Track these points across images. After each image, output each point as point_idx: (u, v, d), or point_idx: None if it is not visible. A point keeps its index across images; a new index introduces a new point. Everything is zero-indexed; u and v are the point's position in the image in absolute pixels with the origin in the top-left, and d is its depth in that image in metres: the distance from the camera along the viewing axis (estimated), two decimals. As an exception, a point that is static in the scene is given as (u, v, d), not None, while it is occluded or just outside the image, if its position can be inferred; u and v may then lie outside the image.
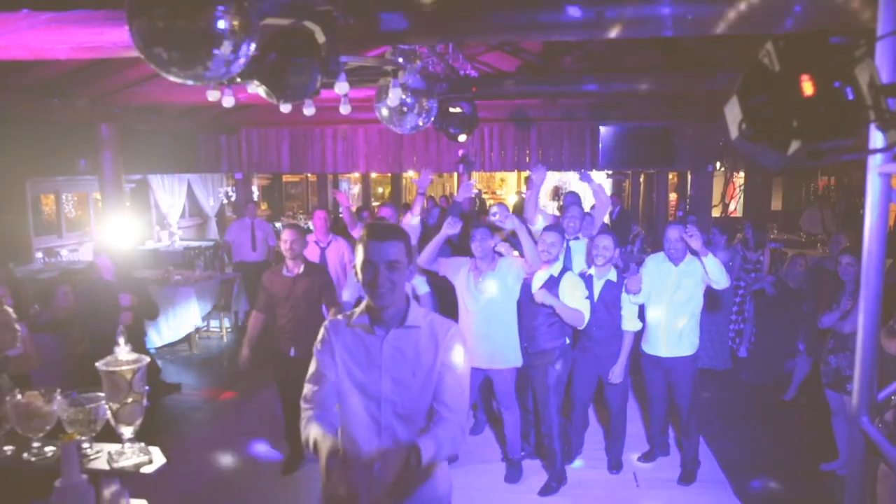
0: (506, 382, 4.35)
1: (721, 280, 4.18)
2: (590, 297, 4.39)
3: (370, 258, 1.98)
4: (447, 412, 2.03)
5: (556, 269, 4.30)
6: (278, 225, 12.38)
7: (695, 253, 4.20)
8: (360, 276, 2.02)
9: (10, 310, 3.08)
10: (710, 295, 4.53)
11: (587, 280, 4.46)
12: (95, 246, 6.08)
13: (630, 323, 4.43)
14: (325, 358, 2.10)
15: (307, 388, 2.11)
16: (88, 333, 4.79)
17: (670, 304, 4.34)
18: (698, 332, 4.44)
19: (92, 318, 4.72)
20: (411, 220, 4.89)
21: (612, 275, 4.42)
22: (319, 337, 2.14)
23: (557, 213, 6.48)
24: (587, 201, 6.14)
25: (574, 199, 6.07)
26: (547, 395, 4.31)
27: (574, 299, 4.19)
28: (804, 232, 11.14)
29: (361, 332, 2.09)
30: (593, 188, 5.51)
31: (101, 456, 2.20)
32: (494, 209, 5.27)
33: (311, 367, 2.13)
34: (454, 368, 2.07)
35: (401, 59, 4.03)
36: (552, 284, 4.20)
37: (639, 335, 4.59)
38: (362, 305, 2.12)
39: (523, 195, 17.99)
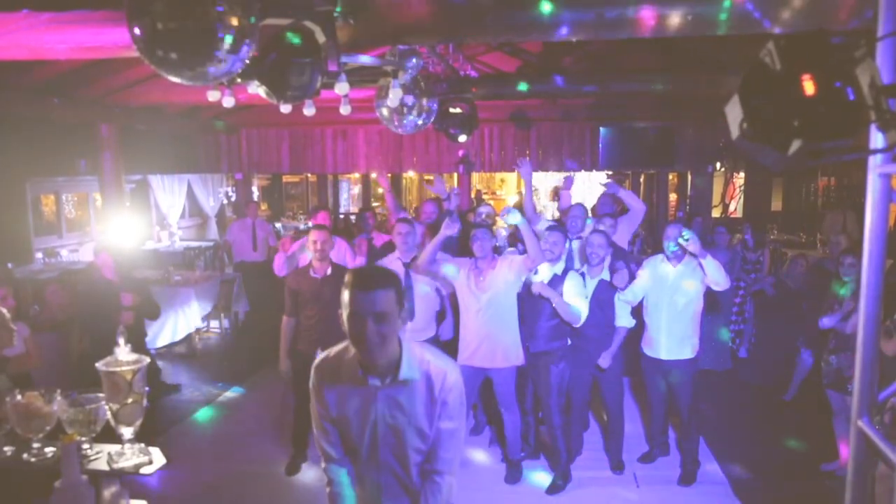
0: (506, 382, 4.35)
1: (721, 281, 4.18)
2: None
3: (356, 310, 1.80)
4: (442, 471, 2.00)
5: (558, 268, 4.31)
6: (278, 225, 12.39)
7: (693, 255, 4.20)
8: (345, 327, 1.85)
9: (5, 310, 3.09)
10: (710, 296, 4.52)
11: (581, 277, 4.48)
12: (96, 244, 6.08)
13: (623, 319, 4.46)
14: (320, 408, 2.06)
15: (317, 436, 2.11)
16: (89, 333, 4.79)
17: (670, 306, 4.33)
18: (698, 334, 4.44)
19: (92, 317, 4.72)
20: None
21: (606, 274, 4.43)
22: (311, 381, 2.08)
23: (557, 214, 6.52)
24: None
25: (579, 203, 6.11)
26: (549, 396, 4.32)
27: (575, 298, 4.20)
28: (829, 237, 10.91)
29: (353, 384, 1.97)
30: (623, 197, 5.49)
31: (101, 456, 2.20)
32: (481, 209, 5.28)
33: (312, 412, 2.10)
34: (450, 423, 1.99)
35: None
36: (556, 283, 4.21)
37: (639, 335, 4.60)
38: (354, 351, 1.94)
39: (524, 195, 17.98)
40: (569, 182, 5.77)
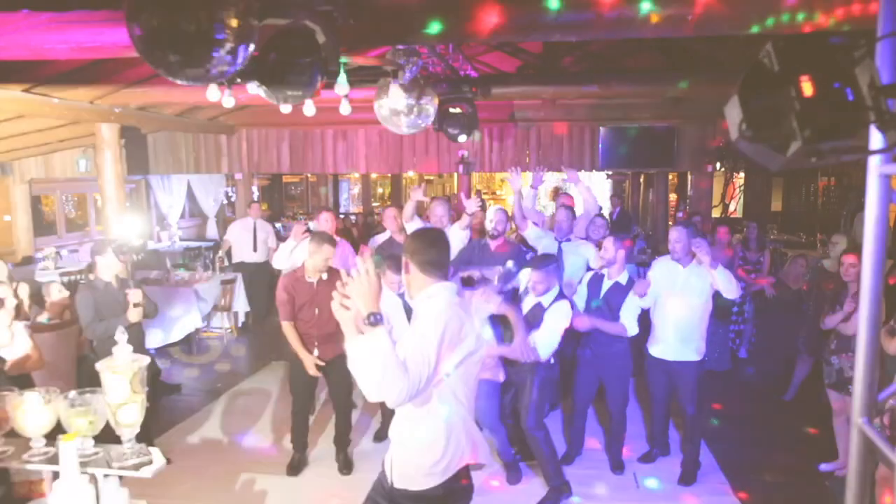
0: (487, 398, 4.25)
1: (731, 291, 4.18)
2: (596, 294, 4.43)
3: None
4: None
5: (546, 299, 4.15)
6: (278, 225, 12.39)
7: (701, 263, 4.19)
8: None
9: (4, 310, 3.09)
10: (718, 299, 4.51)
11: (598, 279, 4.46)
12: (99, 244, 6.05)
13: (628, 322, 4.38)
14: None
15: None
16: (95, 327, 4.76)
17: (679, 307, 4.29)
18: (705, 336, 4.40)
19: (102, 312, 4.70)
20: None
21: (623, 278, 4.41)
22: None
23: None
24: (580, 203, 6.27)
25: (563, 202, 6.26)
26: (528, 411, 4.22)
27: (551, 329, 4.07)
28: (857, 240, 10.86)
29: None
30: (580, 189, 5.61)
31: (101, 456, 2.20)
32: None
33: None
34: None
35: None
36: (539, 310, 4.13)
37: (645, 335, 4.57)
38: None
39: (523, 196, 18.02)
40: (537, 180, 5.89)
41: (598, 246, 5.08)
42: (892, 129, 1.35)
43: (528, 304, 4.21)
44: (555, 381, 4.46)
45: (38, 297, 4.94)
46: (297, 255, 5.11)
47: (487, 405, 4.28)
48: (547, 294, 4.16)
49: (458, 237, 5.25)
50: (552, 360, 4.25)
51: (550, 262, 4.20)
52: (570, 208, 5.36)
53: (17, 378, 3.36)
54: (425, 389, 2.25)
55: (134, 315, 4.48)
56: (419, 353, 2.22)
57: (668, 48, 7.07)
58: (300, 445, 4.71)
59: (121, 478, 2.17)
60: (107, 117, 6.89)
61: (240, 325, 8.52)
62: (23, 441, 2.26)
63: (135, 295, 4.54)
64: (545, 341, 4.06)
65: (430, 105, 4.62)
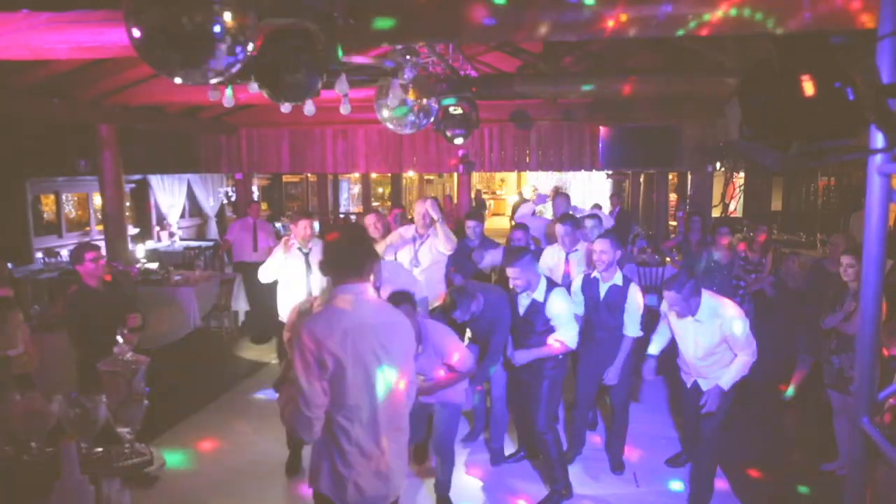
0: (449, 420, 4.12)
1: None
2: (595, 297, 4.42)
3: None
4: None
5: (539, 294, 4.11)
6: (278, 225, 12.40)
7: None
8: None
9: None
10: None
11: (593, 282, 4.44)
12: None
13: (631, 329, 4.38)
14: None
15: None
16: (86, 337, 4.75)
17: (696, 353, 4.09)
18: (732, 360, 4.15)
19: (90, 321, 4.70)
20: None
21: (618, 279, 4.40)
22: None
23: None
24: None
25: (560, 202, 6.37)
26: (538, 412, 4.19)
27: (566, 317, 4.10)
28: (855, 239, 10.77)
29: None
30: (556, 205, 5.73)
31: (101, 456, 2.20)
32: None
33: None
34: None
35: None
36: (539, 308, 4.10)
37: (673, 354, 4.42)
38: None
39: (524, 196, 18.16)
40: (540, 199, 6.00)
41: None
42: (892, 128, 1.35)
43: (523, 304, 4.18)
44: (563, 379, 4.40)
45: (37, 297, 4.94)
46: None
47: (444, 429, 4.09)
48: (538, 289, 4.12)
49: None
50: (560, 357, 4.22)
51: (523, 255, 4.08)
52: (572, 223, 5.21)
53: (18, 378, 3.36)
54: (320, 409, 2.19)
55: (129, 339, 4.46)
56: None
57: (669, 48, 7.07)
58: (297, 444, 4.70)
59: (121, 477, 2.17)
60: (107, 117, 6.90)
61: (240, 324, 8.52)
62: (23, 441, 2.26)
63: (135, 320, 4.53)
64: (566, 334, 4.10)
65: (431, 105, 4.63)
